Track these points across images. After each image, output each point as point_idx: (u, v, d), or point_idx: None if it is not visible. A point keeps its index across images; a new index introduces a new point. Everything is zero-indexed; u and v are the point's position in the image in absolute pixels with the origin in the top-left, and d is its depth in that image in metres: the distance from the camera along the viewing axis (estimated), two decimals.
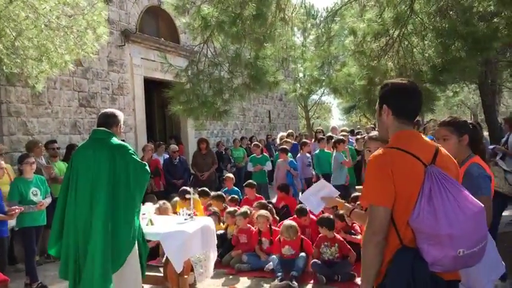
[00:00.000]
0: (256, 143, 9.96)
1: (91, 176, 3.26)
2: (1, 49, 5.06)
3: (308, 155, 8.47)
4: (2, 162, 4.79)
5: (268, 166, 8.56)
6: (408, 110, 2.01)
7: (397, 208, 1.85)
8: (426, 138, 2.04)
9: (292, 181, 7.90)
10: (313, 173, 8.27)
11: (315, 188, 2.88)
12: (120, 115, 3.57)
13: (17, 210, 4.54)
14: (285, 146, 8.40)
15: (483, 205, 1.82)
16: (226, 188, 7.78)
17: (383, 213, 1.84)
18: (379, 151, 1.97)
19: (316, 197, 2.78)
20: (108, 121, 3.46)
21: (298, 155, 8.46)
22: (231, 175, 8.20)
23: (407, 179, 1.84)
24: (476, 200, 1.84)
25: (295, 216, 5.82)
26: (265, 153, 8.96)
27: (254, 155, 8.76)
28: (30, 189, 4.93)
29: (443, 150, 2.00)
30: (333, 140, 7.87)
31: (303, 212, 5.70)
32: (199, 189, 6.84)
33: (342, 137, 7.92)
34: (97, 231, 3.16)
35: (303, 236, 5.32)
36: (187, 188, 5.87)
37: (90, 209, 3.22)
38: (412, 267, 1.79)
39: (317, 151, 8.17)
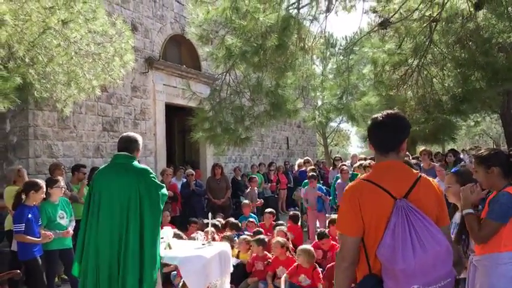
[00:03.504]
0: (312, 174, 8.45)
1: (114, 201, 3.34)
2: (33, 75, 5.30)
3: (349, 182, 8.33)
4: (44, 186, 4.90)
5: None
6: (380, 142, 2.10)
7: (368, 238, 1.94)
8: (407, 170, 2.08)
9: (323, 207, 7.90)
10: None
11: None
12: (141, 140, 3.66)
13: (51, 236, 4.64)
14: (313, 173, 8.38)
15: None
16: (243, 215, 7.78)
17: (350, 243, 1.97)
18: (353, 182, 2.10)
19: None
20: (130, 146, 3.55)
21: (339, 181, 8.33)
22: (248, 201, 8.22)
23: (374, 212, 1.92)
24: (444, 238, 1.88)
25: (316, 241, 5.79)
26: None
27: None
28: (57, 213, 4.99)
29: (425, 180, 2.05)
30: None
31: (323, 236, 5.66)
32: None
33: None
34: (128, 260, 3.24)
35: (316, 265, 5.20)
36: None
37: (113, 233, 3.29)
38: None
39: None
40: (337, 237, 5.79)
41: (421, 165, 7.11)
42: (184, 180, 9.15)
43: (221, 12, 4.91)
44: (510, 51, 5.85)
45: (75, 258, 3.47)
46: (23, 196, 4.72)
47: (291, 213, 7.51)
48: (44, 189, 4.78)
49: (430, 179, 2.11)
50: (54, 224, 4.92)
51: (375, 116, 2.16)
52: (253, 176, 10.21)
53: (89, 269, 3.31)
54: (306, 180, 8.28)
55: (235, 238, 6.21)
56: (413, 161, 7.11)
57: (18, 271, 4.64)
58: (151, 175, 3.46)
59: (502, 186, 2.68)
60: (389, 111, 2.16)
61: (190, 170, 9.31)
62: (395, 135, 2.07)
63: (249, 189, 9.51)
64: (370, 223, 1.92)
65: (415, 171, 2.11)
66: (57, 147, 7.88)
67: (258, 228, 6.58)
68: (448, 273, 1.87)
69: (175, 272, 5.47)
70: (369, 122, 2.17)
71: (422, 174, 2.08)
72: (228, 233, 6.43)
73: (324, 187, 8.60)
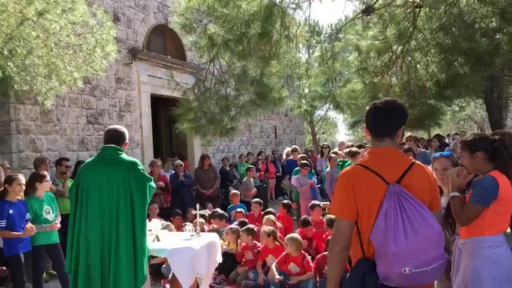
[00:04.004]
0: (304, 162, 8.39)
1: (103, 194, 3.30)
2: (12, 67, 5.17)
3: (338, 169, 8.35)
4: (22, 178, 4.81)
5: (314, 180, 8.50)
6: (376, 126, 2.14)
7: (362, 223, 1.98)
8: (402, 156, 2.15)
9: (316, 195, 7.95)
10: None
11: None
12: (127, 132, 3.64)
13: (34, 229, 4.56)
14: (305, 161, 8.40)
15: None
16: (232, 205, 7.78)
17: (343, 226, 2.01)
18: (348, 167, 2.14)
19: None
20: (118, 138, 3.52)
21: (328, 169, 8.38)
22: (236, 191, 8.21)
23: (367, 196, 1.96)
24: (436, 221, 1.91)
25: (300, 228, 5.82)
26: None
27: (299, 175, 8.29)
28: (43, 208, 4.90)
29: (419, 166, 2.08)
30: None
31: (307, 223, 5.70)
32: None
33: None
34: (120, 252, 3.22)
35: (306, 254, 5.25)
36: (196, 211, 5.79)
37: (103, 227, 3.26)
38: (363, 277, 1.92)
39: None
40: (325, 223, 5.85)
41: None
42: (173, 171, 9.10)
43: (203, 0, 4.84)
44: (493, 36, 5.89)
45: (67, 255, 3.43)
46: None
47: (285, 201, 7.50)
48: (21, 182, 4.67)
49: (424, 165, 2.14)
50: (41, 219, 4.84)
51: (374, 101, 2.20)
52: (251, 166, 10.29)
53: (80, 264, 3.28)
54: (297, 168, 8.30)
55: (223, 231, 6.19)
56: (405, 147, 7.18)
57: (4, 268, 4.58)
58: (140, 167, 3.42)
59: (487, 170, 2.71)
60: (388, 99, 2.21)
61: (179, 161, 9.26)
62: (392, 120, 2.11)
63: (245, 179, 9.54)
64: (363, 207, 1.95)
65: (410, 157, 2.15)
66: (40, 141, 7.75)
67: (243, 219, 6.56)
68: (440, 255, 1.91)
69: (165, 265, 5.47)
70: (367, 108, 2.20)
71: (417, 161, 2.11)
72: (215, 225, 6.42)
73: (314, 176, 8.63)
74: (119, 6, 9.63)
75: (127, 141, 3.61)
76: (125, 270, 3.20)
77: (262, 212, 6.92)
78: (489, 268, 2.55)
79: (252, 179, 9.59)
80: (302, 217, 5.94)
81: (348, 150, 8.89)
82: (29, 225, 4.60)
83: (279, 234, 5.73)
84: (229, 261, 5.76)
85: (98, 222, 3.27)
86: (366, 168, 2.01)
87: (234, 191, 8.40)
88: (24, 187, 4.74)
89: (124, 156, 3.46)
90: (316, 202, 6.46)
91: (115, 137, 3.51)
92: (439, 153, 3.49)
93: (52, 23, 5.11)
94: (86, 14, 5.63)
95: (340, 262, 2.02)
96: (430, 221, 1.88)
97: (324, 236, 5.81)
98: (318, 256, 5.23)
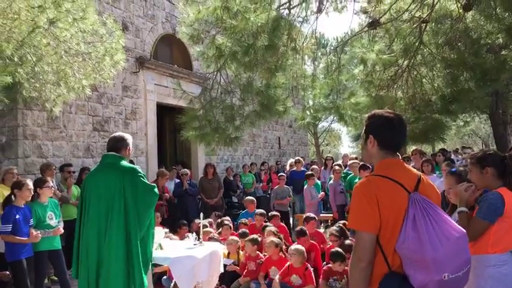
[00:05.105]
0: (309, 172, 8.78)
1: (101, 200, 3.33)
2: (22, 74, 5.24)
3: (341, 181, 8.36)
4: (30, 183, 4.86)
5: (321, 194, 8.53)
6: (393, 142, 2.06)
7: (384, 234, 1.88)
8: (409, 167, 2.11)
9: (321, 205, 7.98)
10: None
11: None
12: (129, 138, 3.65)
13: (39, 236, 4.59)
14: (312, 172, 8.42)
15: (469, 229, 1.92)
16: (246, 211, 7.78)
17: (367, 239, 1.88)
18: (365, 179, 2.03)
19: None
20: (117, 145, 3.55)
21: (331, 181, 8.38)
22: (252, 198, 8.20)
23: (392, 206, 1.89)
24: (458, 225, 1.89)
25: (296, 239, 5.81)
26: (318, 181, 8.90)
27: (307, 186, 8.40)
28: (47, 213, 4.92)
29: (425, 178, 2.06)
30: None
31: (303, 233, 5.69)
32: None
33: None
34: (111, 258, 3.22)
35: (308, 265, 5.21)
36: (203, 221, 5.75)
37: (99, 234, 3.29)
38: None
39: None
40: (328, 237, 5.82)
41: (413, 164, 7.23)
42: (177, 180, 9.12)
43: (212, 12, 4.92)
44: (498, 52, 5.93)
45: (73, 260, 3.46)
46: (13, 197, 4.69)
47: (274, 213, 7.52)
48: (30, 187, 4.72)
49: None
50: (44, 225, 4.86)
51: (384, 113, 2.09)
52: (282, 174, 10.17)
53: (82, 269, 3.33)
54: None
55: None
56: (423, 158, 7.17)
57: (7, 272, 4.59)
58: (139, 174, 3.43)
59: (496, 186, 2.70)
60: (390, 111, 2.14)
61: (185, 170, 9.28)
62: (404, 136, 2.10)
63: (276, 187, 9.52)
64: (388, 217, 1.86)
65: (414, 170, 2.11)
66: (46, 147, 7.81)
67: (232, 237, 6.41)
68: (468, 260, 1.87)
69: (165, 277, 5.46)
70: (376, 118, 2.08)
71: (422, 173, 2.09)
72: (215, 235, 6.41)
73: (320, 189, 8.66)
74: (127, 15, 9.76)
75: (129, 146, 3.61)
76: (115, 276, 3.20)
77: (264, 223, 6.92)
78: (492, 287, 2.53)
79: (284, 186, 9.52)
80: (298, 228, 5.93)
81: (352, 162, 8.91)
82: (35, 232, 4.62)
83: (284, 246, 5.72)
84: (231, 272, 5.74)
85: (95, 229, 3.30)
86: (386, 177, 1.94)
87: (250, 197, 8.35)
88: (32, 192, 4.79)
89: (123, 163, 3.47)
90: (311, 215, 6.46)
91: (113, 145, 3.55)
92: (448, 171, 3.50)
93: (63, 31, 5.18)
94: (96, 22, 5.71)
95: (364, 280, 1.88)
96: (456, 227, 1.86)
97: (326, 248, 5.77)
98: (325, 268, 5.16)
